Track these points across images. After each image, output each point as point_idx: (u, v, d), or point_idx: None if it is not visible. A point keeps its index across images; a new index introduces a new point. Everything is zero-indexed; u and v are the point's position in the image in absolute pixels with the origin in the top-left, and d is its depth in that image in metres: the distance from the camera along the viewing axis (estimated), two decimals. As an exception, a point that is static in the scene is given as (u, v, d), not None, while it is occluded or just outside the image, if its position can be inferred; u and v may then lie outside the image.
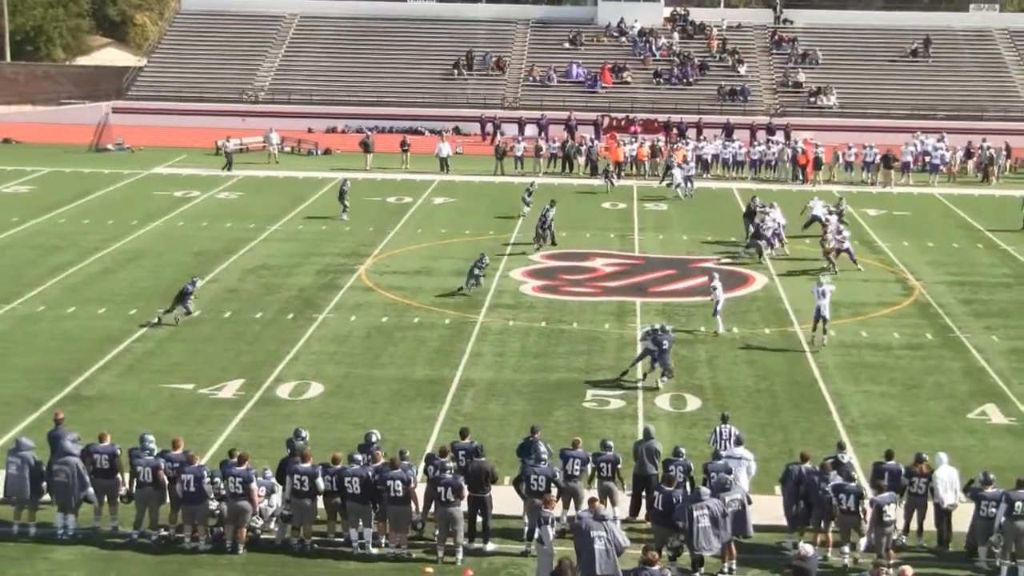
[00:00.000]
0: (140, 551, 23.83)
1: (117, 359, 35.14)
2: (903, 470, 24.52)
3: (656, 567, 20.33)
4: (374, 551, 23.83)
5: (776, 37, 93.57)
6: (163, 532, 24.28)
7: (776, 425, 30.93)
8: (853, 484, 23.67)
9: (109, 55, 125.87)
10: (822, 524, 23.95)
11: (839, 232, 46.83)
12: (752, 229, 48.92)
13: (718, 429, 26.48)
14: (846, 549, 23.64)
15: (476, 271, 42.84)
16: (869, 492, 24.06)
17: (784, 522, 24.53)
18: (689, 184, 61.69)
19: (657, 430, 29.47)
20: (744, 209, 52.84)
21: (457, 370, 34.77)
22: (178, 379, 33.52)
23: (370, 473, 23.84)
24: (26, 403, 31.40)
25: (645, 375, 34.00)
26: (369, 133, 73.91)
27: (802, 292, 43.25)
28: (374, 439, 25.47)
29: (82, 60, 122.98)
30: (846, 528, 23.64)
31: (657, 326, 34.28)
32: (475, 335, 37.99)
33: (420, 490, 24.33)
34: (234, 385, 33.12)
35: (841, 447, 25.92)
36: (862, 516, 23.45)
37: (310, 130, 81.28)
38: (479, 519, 24.33)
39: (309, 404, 31.85)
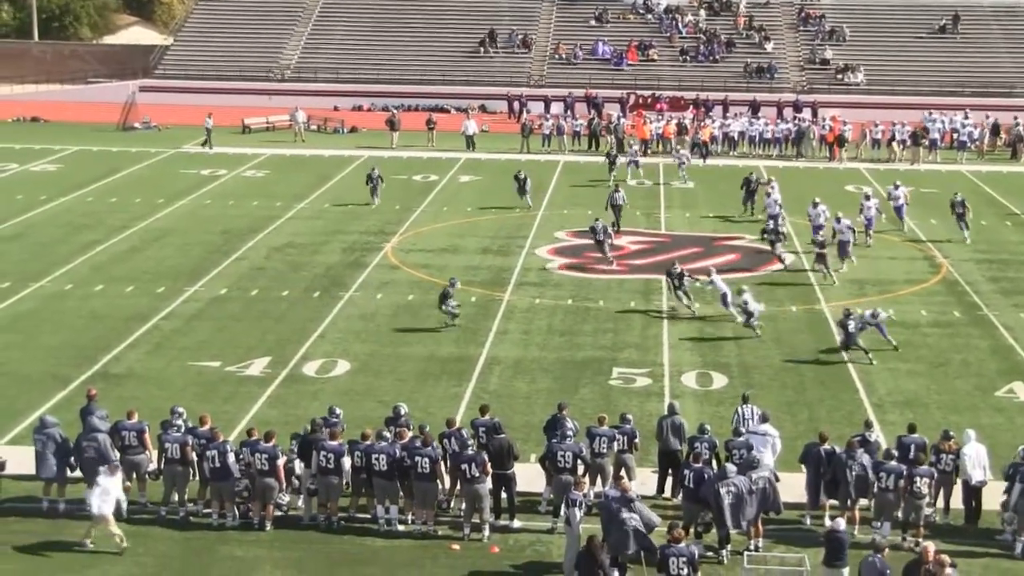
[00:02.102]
0: (168, 527, 23.95)
1: (144, 337, 35.28)
2: (927, 444, 24.55)
3: (682, 544, 20.37)
4: (400, 528, 23.90)
5: (803, 14, 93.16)
6: (190, 508, 24.40)
7: (802, 403, 30.88)
8: (893, 463, 23.60)
9: (136, 34, 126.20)
10: (848, 502, 23.91)
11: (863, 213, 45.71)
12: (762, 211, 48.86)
13: (740, 410, 26.46)
14: (877, 524, 23.57)
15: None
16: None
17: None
18: (682, 168, 59.85)
19: (683, 408, 29.49)
20: (743, 184, 52.68)
21: (483, 348, 34.80)
22: (205, 357, 33.64)
23: (397, 450, 23.88)
24: (54, 381, 31.56)
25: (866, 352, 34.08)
26: (395, 111, 73.83)
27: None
28: (403, 411, 25.56)
29: (109, 39, 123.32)
30: (882, 507, 23.57)
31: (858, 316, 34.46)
32: (501, 313, 38.01)
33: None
34: (261, 363, 33.22)
35: (868, 425, 25.84)
36: (901, 495, 23.42)
37: (336, 108, 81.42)
38: (503, 496, 24.36)
39: (336, 382, 31.92)
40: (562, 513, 22.86)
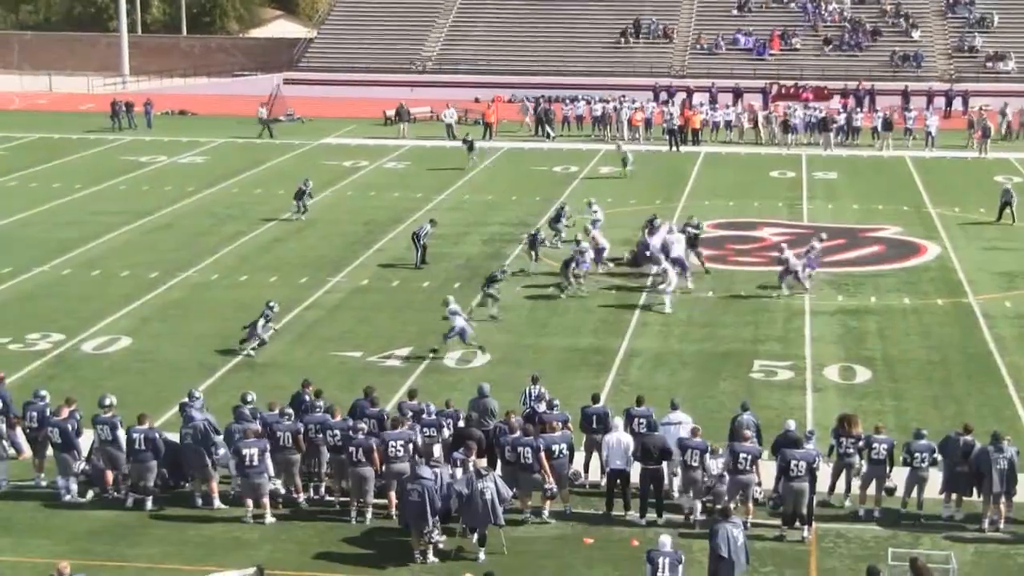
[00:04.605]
0: (307, 518, 24.18)
1: (288, 327, 35.69)
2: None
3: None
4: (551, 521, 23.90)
5: (951, 0, 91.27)
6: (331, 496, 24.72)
7: (949, 397, 30.27)
8: None
9: (280, 27, 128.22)
10: (992, 497, 23.31)
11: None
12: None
13: (527, 390, 26.55)
14: None
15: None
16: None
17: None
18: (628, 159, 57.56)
19: (826, 401, 29.26)
20: None
21: (623, 339, 34.67)
22: (347, 347, 33.96)
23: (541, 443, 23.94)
24: (201, 369, 32.14)
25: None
26: (546, 104, 73.18)
27: (977, 261, 42.34)
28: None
29: (254, 32, 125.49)
30: None
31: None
32: (641, 304, 37.80)
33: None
34: (402, 353, 33.45)
35: None
36: None
37: (477, 99, 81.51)
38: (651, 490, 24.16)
39: (475, 372, 31.99)
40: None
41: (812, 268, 39.26)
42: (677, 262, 38.83)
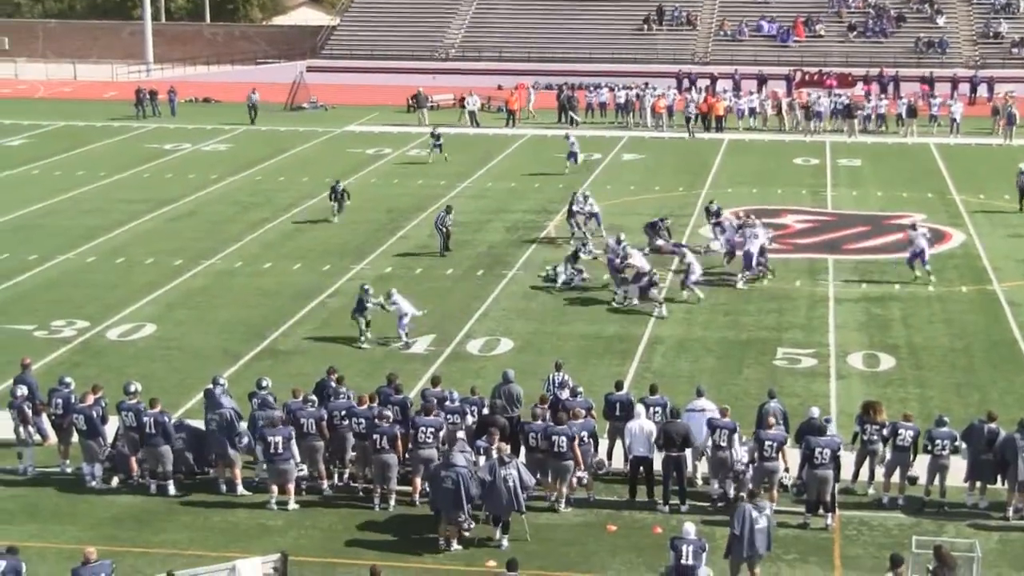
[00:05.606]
0: (331, 505, 24.24)
1: (311, 314, 35.78)
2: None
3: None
4: (567, 510, 23.90)
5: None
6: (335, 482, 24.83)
7: (973, 385, 30.18)
8: None
9: (304, 15, 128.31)
10: (1017, 485, 23.23)
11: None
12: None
13: (551, 376, 26.57)
14: None
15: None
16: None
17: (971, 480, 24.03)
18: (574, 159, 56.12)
19: (849, 389, 29.19)
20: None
21: (646, 327, 34.64)
22: (370, 334, 33.96)
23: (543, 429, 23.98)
24: (225, 356, 32.23)
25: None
26: (570, 91, 73.28)
27: (1002, 249, 42.17)
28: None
29: (278, 20, 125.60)
30: None
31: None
32: (664, 292, 37.75)
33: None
34: (425, 340, 33.48)
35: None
36: None
37: (500, 87, 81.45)
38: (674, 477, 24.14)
39: (498, 360, 32.00)
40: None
41: (922, 260, 38.52)
42: (747, 257, 38.53)
